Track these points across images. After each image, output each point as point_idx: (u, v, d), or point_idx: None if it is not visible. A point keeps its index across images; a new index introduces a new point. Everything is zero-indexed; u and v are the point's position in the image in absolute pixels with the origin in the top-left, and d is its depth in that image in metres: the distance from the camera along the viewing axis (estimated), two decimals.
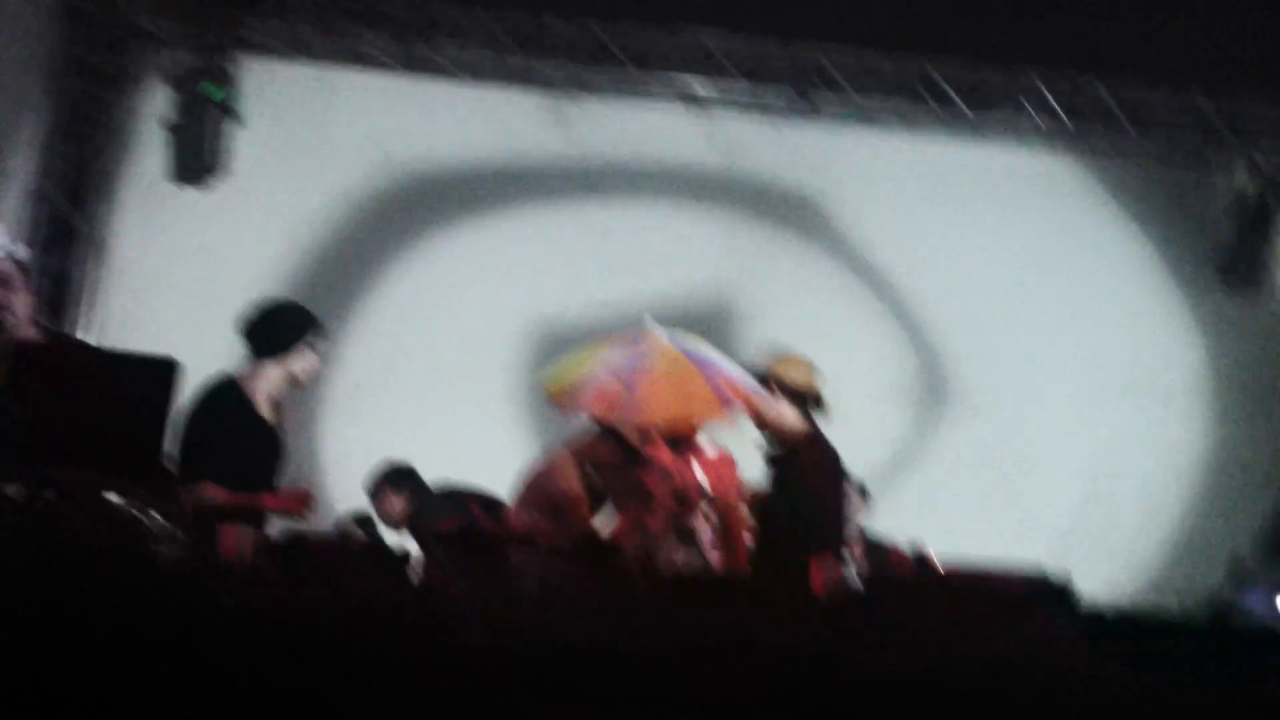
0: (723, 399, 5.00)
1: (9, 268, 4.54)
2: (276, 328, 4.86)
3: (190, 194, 7.53)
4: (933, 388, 8.22)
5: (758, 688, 3.04)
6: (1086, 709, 3.30)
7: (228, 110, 7.41)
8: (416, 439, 6.37)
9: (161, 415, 3.79)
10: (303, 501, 4.61)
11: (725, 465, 5.17)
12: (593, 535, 4.33)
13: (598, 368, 5.01)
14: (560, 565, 3.83)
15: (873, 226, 8.24)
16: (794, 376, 5.21)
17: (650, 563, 4.91)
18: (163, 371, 3.80)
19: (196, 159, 7.40)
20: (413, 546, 5.85)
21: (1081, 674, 3.49)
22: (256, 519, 4.15)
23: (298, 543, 3.95)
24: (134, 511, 3.59)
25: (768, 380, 5.19)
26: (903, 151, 8.16)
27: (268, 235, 7.75)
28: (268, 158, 7.70)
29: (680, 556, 4.92)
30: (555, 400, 5.08)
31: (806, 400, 5.20)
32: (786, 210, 8.17)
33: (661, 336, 5.12)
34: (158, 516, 3.57)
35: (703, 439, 5.21)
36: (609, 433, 4.91)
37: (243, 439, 4.70)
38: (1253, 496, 8.15)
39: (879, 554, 5.93)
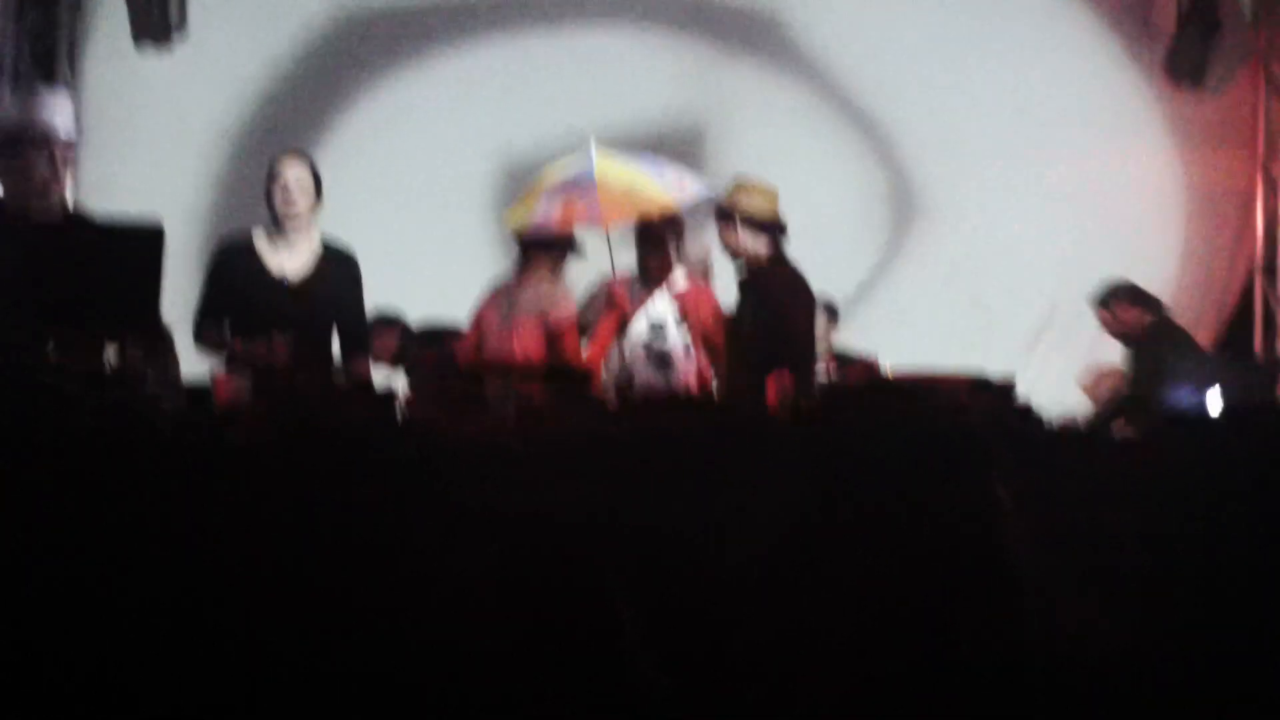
0: (672, 189, 5.58)
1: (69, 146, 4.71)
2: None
3: (153, 52, 7.61)
4: (902, 204, 8.34)
5: (704, 501, 3.31)
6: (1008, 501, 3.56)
7: None
8: (386, 277, 6.52)
9: (154, 280, 4.02)
10: (274, 352, 4.82)
11: (699, 293, 5.51)
12: (566, 363, 4.59)
13: (546, 190, 5.51)
14: (535, 392, 4.09)
15: (835, 45, 8.28)
16: (755, 204, 5.41)
17: (624, 387, 5.22)
18: (150, 238, 4.00)
19: (156, 18, 7.46)
20: (401, 385, 6.17)
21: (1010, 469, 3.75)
22: (253, 366, 4.39)
23: (289, 386, 4.19)
24: (133, 367, 3.83)
25: (730, 209, 5.41)
26: None
27: (229, 87, 7.83)
28: (225, 11, 7.78)
29: (655, 379, 5.24)
30: (520, 232, 5.54)
31: (769, 226, 5.41)
32: (749, 33, 8.21)
33: (603, 150, 5.64)
34: (155, 371, 3.81)
35: (676, 271, 5.56)
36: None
37: (246, 294, 5.06)
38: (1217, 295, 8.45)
39: (848, 368, 6.21)
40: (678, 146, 7.82)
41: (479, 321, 5.66)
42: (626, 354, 5.43)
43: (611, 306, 5.42)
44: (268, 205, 5.21)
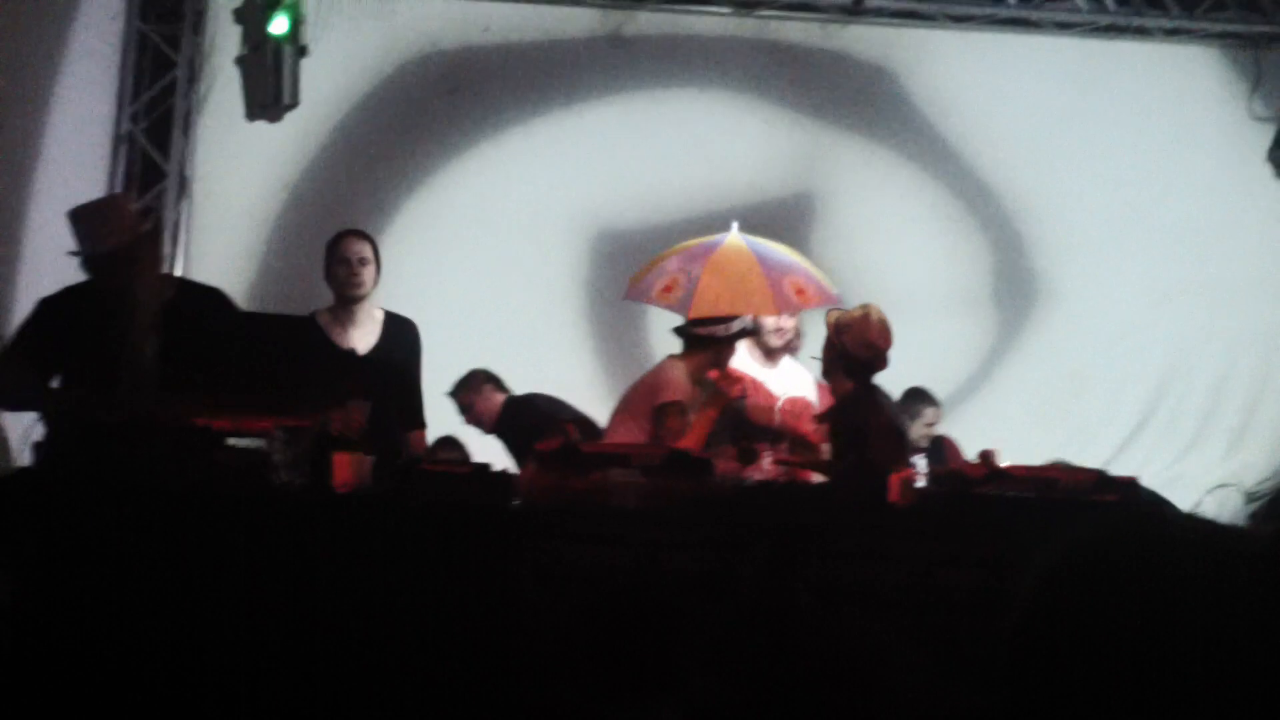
0: (780, 296, 5.25)
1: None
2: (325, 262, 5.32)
3: (266, 127, 7.76)
4: (1016, 287, 8.25)
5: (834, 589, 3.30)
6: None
7: (290, 41, 7.60)
8: (474, 346, 6.49)
9: (304, 366, 4.14)
10: (350, 421, 4.83)
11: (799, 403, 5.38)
12: (685, 451, 4.57)
13: (670, 259, 5.34)
14: (655, 481, 4.09)
15: (943, 118, 8.25)
16: (860, 342, 5.04)
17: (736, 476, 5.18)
18: (301, 327, 4.14)
19: (268, 93, 7.61)
20: (501, 455, 6.16)
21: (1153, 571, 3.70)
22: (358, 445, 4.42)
23: (411, 467, 4.23)
24: (263, 446, 3.89)
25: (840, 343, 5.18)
26: (959, 44, 8.25)
27: (338, 161, 7.95)
28: (335, 86, 7.91)
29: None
30: (629, 289, 5.42)
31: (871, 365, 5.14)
32: (853, 110, 8.20)
33: (737, 237, 5.40)
34: (286, 450, 3.87)
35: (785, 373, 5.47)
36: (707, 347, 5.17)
37: (309, 364, 5.08)
38: None
39: (965, 463, 6.09)
40: (778, 222, 7.83)
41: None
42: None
43: (718, 399, 5.17)
44: (330, 282, 5.30)
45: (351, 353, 5.18)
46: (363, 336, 5.26)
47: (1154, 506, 3.91)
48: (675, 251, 5.46)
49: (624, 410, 5.23)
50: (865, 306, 5.00)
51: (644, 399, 5.17)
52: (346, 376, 5.06)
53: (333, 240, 5.34)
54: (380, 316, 5.31)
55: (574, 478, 4.01)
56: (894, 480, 4.04)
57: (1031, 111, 8.23)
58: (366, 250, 5.30)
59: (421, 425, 5.37)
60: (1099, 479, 4.12)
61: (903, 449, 4.72)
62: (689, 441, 5.16)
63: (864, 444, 4.55)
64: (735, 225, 5.51)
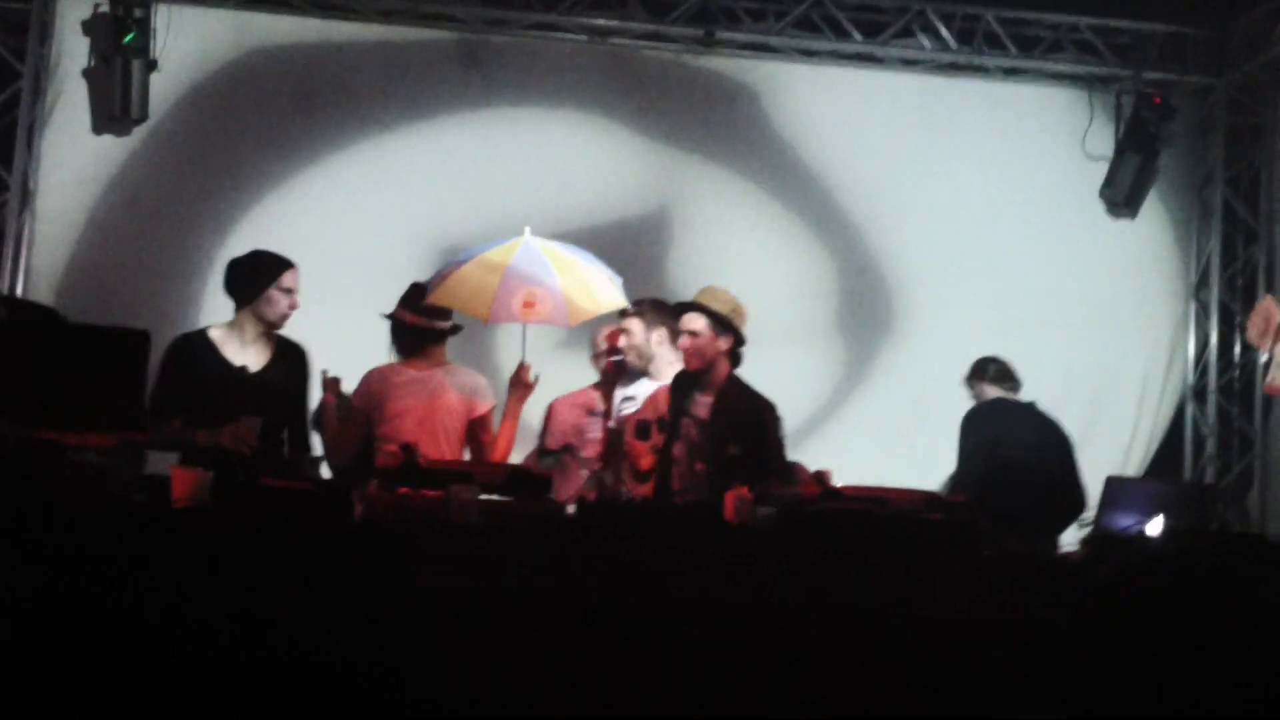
0: (616, 288, 5.69)
1: None
2: (242, 279, 5.33)
3: (113, 141, 7.67)
4: (863, 317, 8.45)
5: (670, 607, 3.38)
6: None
7: (140, 56, 7.52)
8: (316, 361, 6.47)
9: (140, 379, 4.11)
10: (238, 436, 4.91)
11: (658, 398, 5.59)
12: (528, 470, 4.64)
13: (507, 277, 5.55)
14: (497, 499, 4.14)
15: (795, 147, 8.42)
16: (723, 308, 5.46)
17: (596, 491, 5.29)
18: (136, 341, 4.10)
19: (117, 108, 7.53)
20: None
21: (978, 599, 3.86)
22: (210, 459, 4.42)
23: (249, 484, 4.21)
24: (101, 466, 3.86)
25: (702, 309, 5.45)
26: (810, 76, 8.44)
27: (183, 175, 7.87)
28: (185, 103, 7.85)
29: (618, 484, 5.30)
30: (481, 316, 5.54)
31: (734, 331, 5.45)
32: (707, 134, 8.33)
33: (542, 241, 5.70)
34: (124, 469, 3.84)
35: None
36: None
37: (205, 382, 5.09)
38: (1142, 413, 8.60)
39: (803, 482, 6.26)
40: (631, 241, 7.94)
41: (389, 405, 5.59)
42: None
43: (518, 396, 5.53)
44: (260, 305, 5.29)
45: (243, 369, 5.24)
46: (256, 356, 5.32)
47: (977, 526, 4.05)
48: (496, 269, 5.58)
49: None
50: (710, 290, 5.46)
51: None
52: (235, 393, 5.11)
53: (275, 266, 5.34)
54: (273, 339, 5.36)
55: (415, 495, 4.04)
56: (729, 499, 4.14)
57: (880, 144, 8.45)
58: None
59: (308, 449, 5.42)
60: (929, 498, 4.26)
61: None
62: (503, 441, 5.38)
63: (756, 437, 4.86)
64: (528, 230, 5.78)
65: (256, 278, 5.31)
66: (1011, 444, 6.45)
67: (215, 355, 5.26)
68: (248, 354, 5.31)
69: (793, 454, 7.39)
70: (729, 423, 5.27)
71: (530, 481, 4.20)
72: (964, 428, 6.59)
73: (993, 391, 6.68)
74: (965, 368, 7.07)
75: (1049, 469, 6.44)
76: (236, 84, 7.93)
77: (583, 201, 8.04)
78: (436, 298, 5.57)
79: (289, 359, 5.39)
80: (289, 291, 5.32)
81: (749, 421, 5.28)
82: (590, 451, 5.78)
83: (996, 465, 6.31)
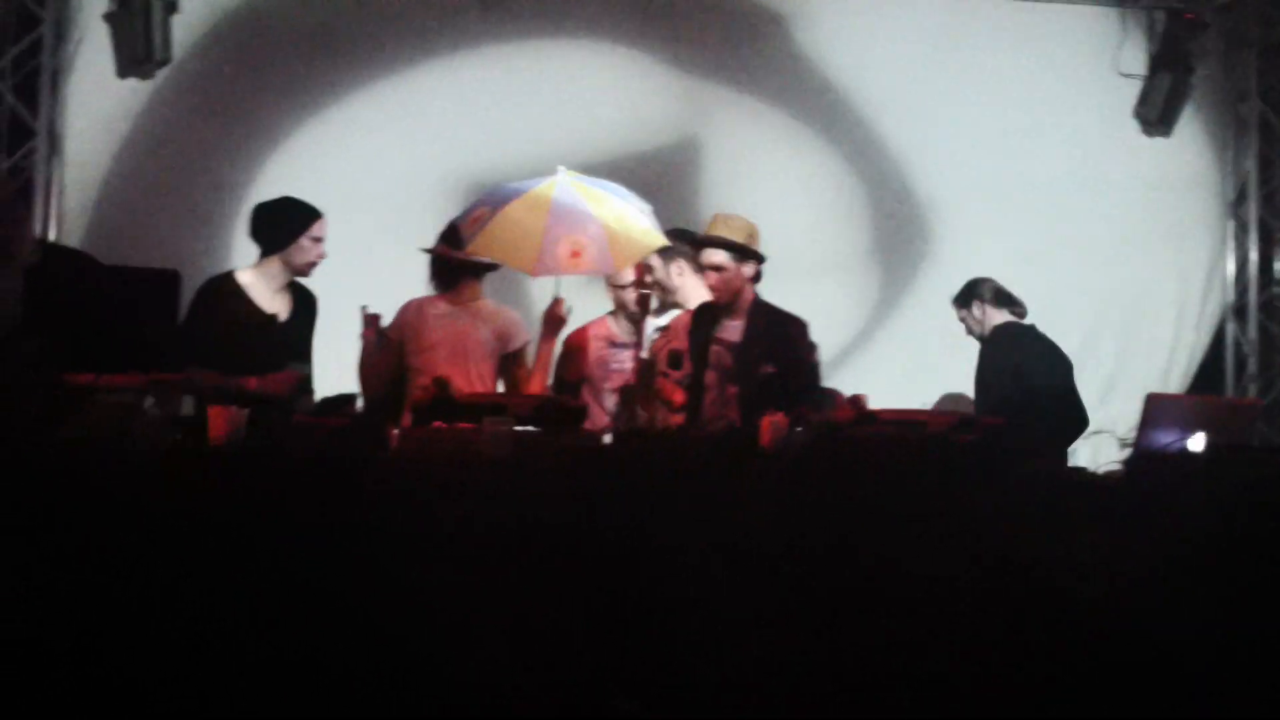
0: (655, 224, 5.54)
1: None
2: (272, 225, 5.32)
3: (136, 84, 7.64)
4: (896, 243, 8.36)
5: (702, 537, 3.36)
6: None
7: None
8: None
9: (172, 320, 4.13)
10: (288, 383, 4.98)
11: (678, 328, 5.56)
12: (557, 399, 4.62)
13: (549, 229, 5.40)
14: (528, 431, 4.13)
15: (824, 72, 8.30)
16: (739, 234, 5.43)
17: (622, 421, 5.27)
18: (168, 282, 4.12)
19: (139, 51, 7.49)
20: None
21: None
22: (248, 401, 4.44)
23: (284, 422, 4.22)
24: (131, 402, 3.86)
25: (718, 240, 5.43)
26: (835, 3, 8.32)
27: (209, 118, 7.85)
28: (206, 44, 7.81)
29: (651, 415, 5.28)
30: (527, 269, 5.46)
31: (753, 255, 5.44)
32: (734, 61, 8.21)
33: (577, 180, 5.54)
34: (155, 408, 3.84)
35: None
36: None
37: (232, 326, 5.10)
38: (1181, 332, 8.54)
39: (837, 405, 6.24)
40: (661, 172, 7.88)
41: (425, 338, 5.58)
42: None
43: (551, 332, 5.48)
44: (291, 252, 5.30)
45: (274, 318, 5.28)
46: (282, 303, 5.35)
47: (1014, 447, 4.02)
48: (535, 218, 5.46)
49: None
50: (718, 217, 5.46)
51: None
52: (270, 341, 5.15)
53: (306, 215, 5.34)
54: (292, 284, 5.38)
55: (449, 428, 4.04)
56: (765, 424, 4.11)
57: (910, 67, 8.33)
58: None
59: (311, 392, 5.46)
60: (963, 420, 4.23)
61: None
62: (539, 376, 5.37)
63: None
64: (562, 169, 5.62)
65: (287, 225, 5.31)
66: (1032, 371, 6.41)
67: (246, 301, 5.27)
68: (276, 301, 5.32)
69: (828, 382, 7.37)
70: (761, 342, 5.28)
71: (564, 413, 4.18)
72: (987, 354, 6.54)
73: (997, 315, 6.59)
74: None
75: (1061, 394, 6.42)
76: (257, 24, 7.88)
77: (611, 133, 7.97)
78: (476, 248, 5.47)
79: (306, 305, 5.42)
80: (318, 240, 5.31)
81: (781, 338, 5.29)
82: (615, 382, 5.74)
83: (1023, 393, 6.28)
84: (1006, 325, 6.55)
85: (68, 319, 4.07)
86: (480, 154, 7.86)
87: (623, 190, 5.64)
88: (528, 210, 5.45)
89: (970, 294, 6.63)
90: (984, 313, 6.58)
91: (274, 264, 5.31)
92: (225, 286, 5.30)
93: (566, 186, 5.52)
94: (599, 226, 5.40)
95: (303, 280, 5.39)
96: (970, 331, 6.65)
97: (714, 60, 8.22)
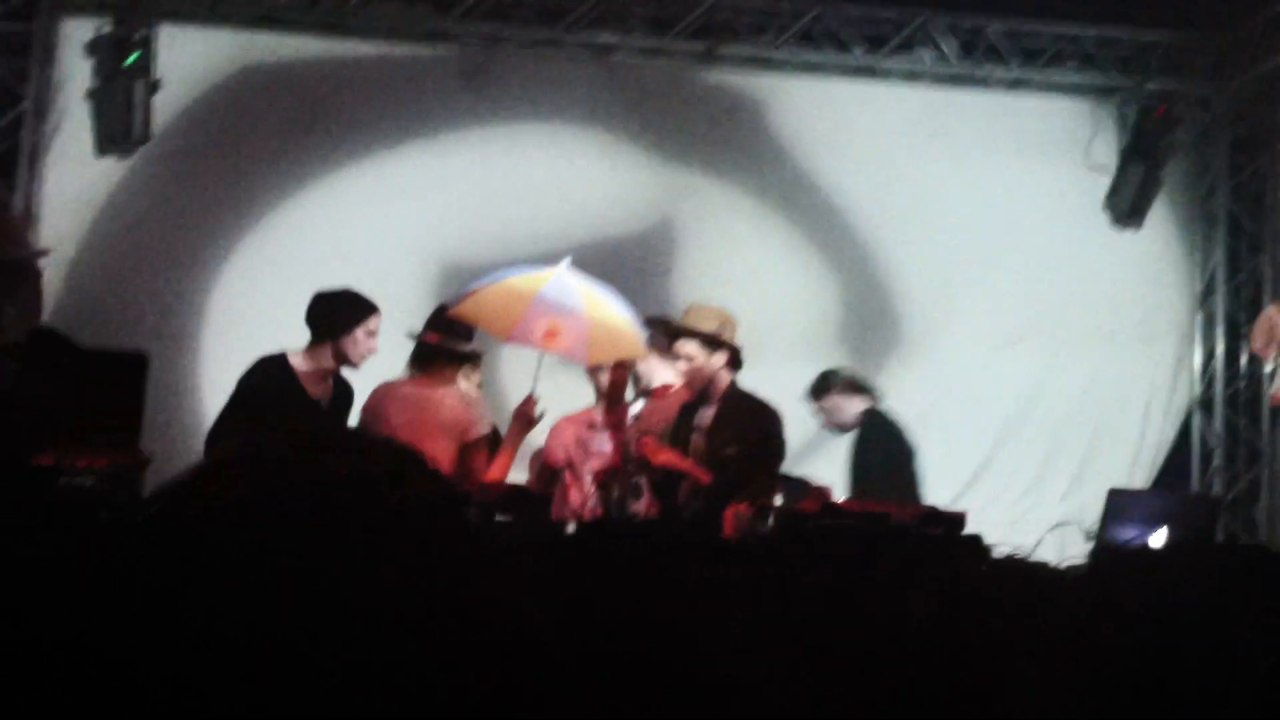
0: (642, 339, 5.59)
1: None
2: (329, 315, 5.42)
3: (114, 162, 7.68)
4: (866, 330, 8.41)
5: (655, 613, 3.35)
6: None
7: (143, 76, 7.53)
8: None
9: (138, 403, 4.13)
10: None
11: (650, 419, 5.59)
12: (524, 488, 4.63)
13: (536, 303, 5.47)
14: (491, 518, 4.13)
15: (798, 160, 8.40)
16: (711, 325, 5.50)
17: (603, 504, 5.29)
18: (135, 364, 4.13)
19: (119, 129, 7.54)
20: None
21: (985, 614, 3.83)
22: None
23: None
24: (94, 489, 3.86)
25: (689, 330, 5.50)
26: (813, 90, 8.43)
27: (190, 197, 7.88)
28: (186, 122, 7.85)
29: (629, 505, 5.30)
30: (500, 334, 5.53)
31: (726, 346, 5.50)
32: (707, 148, 8.31)
33: (578, 275, 5.62)
34: (119, 491, 3.84)
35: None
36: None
37: (281, 409, 5.15)
38: (1148, 425, 8.57)
39: (802, 496, 6.28)
40: (633, 257, 7.93)
41: (389, 421, 5.55)
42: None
43: (520, 427, 5.49)
44: (344, 344, 5.39)
45: (319, 404, 5.39)
46: (326, 391, 5.46)
47: (973, 541, 4.04)
48: (528, 294, 5.56)
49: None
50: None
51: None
52: (312, 427, 5.16)
53: (364, 308, 5.45)
54: (335, 374, 5.51)
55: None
56: (728, 514, 4.13)
57: (884, 157, 8.43)
58: None
59: None
60: (928, 513, 4.25)
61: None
62: (498, 467, 5.36)
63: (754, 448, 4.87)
64: (567, 260, 5.71)
65: (346, 315, 5.39)
66: (903, 454, 6.54)
67: (295, 384, 5.36)
68: (322, 388, 5.43)
69: (798, 469, 7.40)
70: (729, 427, 5.34)
71: (530, 501, 4.19)
72: (886, 440, 6.61)
73: (858, 402, 6.69)
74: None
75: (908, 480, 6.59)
76: (238, 103, 7.94)
77: (588, 216, 8.03)
78: (460, 310, 5.58)
79: (344, 395, 5.54)
80: (372, 334, 5.41)
81: (749, 424, 5.33)
82: (595, 465, 5.75)
83: (912, 479, 6.39)
84: (872, 411, 6.68)
85: (34, 398, 4.08)
86: (458, 236, 7.92)
87: (622, 302, 5.72)
88: (519, 285, 5.59)
89: (826, 385, 6.75)
90: (838, 403, 6.70)
91: (325, 351, 5.39)
92: (277, 368, 5.38)
93: (565, 277, 5.63)
94: (584, 317, 5.48)
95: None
96: (830, 420, 6.73)
97: (691, 146, 8.31)
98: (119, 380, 4.18)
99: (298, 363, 5.39)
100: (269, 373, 5.37)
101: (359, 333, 5.37)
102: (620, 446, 5.52)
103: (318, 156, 8.00)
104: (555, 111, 8.21)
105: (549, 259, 5.94)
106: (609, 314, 5.57)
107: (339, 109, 8.04)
